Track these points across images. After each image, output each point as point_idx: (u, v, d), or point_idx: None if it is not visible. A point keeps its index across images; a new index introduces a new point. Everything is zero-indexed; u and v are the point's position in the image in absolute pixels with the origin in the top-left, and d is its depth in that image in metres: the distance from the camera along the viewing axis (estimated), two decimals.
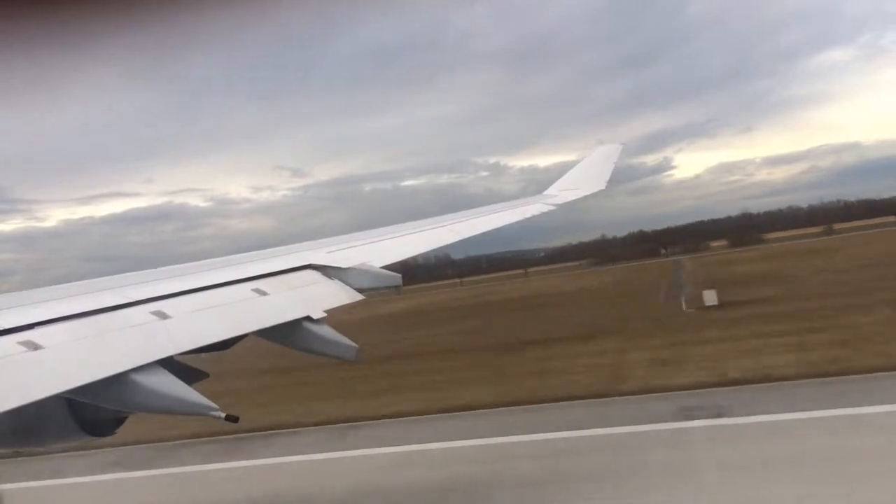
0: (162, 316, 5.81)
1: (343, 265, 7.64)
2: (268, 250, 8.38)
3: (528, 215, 13.08)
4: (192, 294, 6.36)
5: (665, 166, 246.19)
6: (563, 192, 15.62)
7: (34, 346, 5.01)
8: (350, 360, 6.70)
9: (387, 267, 7.99)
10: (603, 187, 16.28)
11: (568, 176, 17.01)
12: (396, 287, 7.92)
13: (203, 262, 7.81)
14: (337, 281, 7.47)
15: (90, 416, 6.00)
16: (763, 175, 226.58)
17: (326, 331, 6.63)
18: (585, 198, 15.70)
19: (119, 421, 6.23)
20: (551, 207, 14.12)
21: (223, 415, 5.69)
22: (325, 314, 6.75)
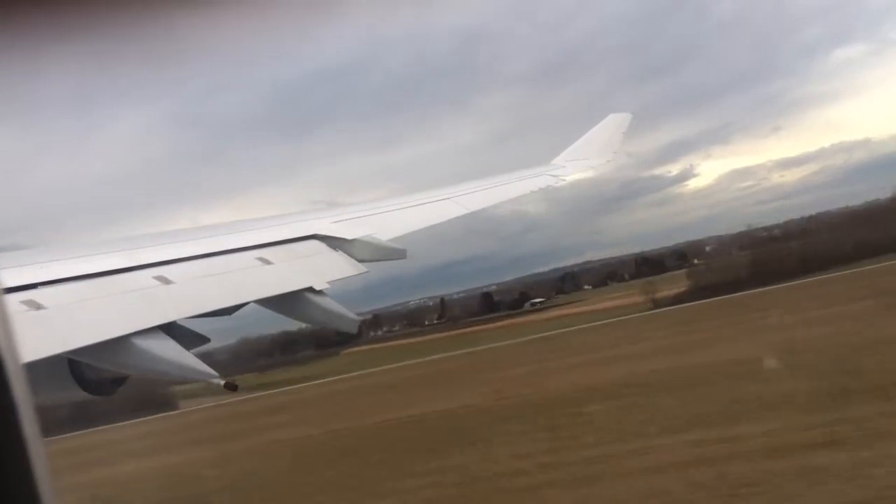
0: (165, 281, 5.79)
1: (348, 236, 7.59)
2: (273, 217, 8.32)
3: (535, 188, 12.94)
4: (197, 260, 6.33)
5: (688, 174, 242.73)
6: (571, 163, 15.42)
7: (37, 306, 5.00)
8: (351, 333, 6.69)
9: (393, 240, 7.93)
10: (610, 158, 16.03)
11: (576, 145, 16.81)
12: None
13: (209, 226, 7.76)
14: (341, 252, 7.43)
15: (89, 376, 6.02)
16: (776, 179, 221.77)
17: (329, 303, 6.62)
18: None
19: (118, 381, 6.25)
20: (559, 182, 13.95)
21: (222, 382, 5.70)
22: (328, 285, 6.72)
